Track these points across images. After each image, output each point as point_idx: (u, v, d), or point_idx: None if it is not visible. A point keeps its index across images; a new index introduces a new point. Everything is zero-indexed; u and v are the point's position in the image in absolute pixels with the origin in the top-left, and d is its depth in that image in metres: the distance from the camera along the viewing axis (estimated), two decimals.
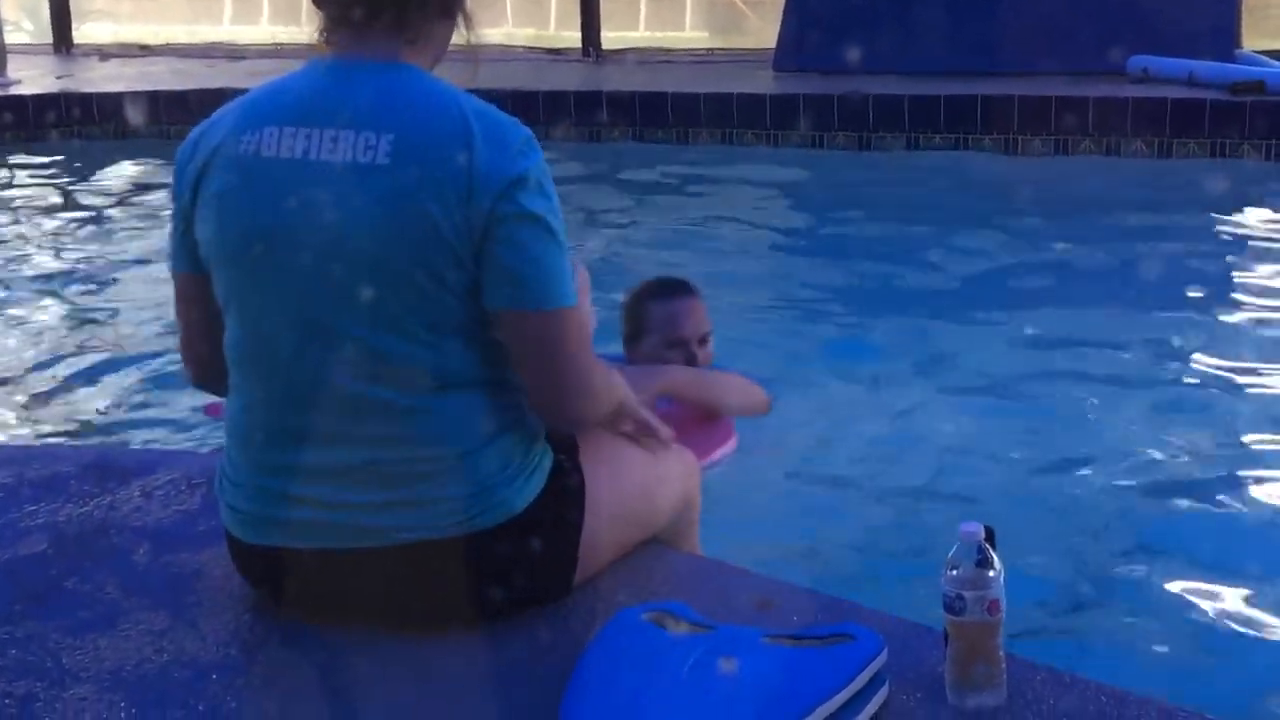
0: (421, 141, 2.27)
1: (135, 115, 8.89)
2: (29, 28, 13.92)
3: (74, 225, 7.42)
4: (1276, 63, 8.69)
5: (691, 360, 3.52)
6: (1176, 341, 4.95)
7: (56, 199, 8.05)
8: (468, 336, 2.34)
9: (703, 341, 3.57)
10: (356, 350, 2.30)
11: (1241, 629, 3.12)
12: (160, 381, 4.70)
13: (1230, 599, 3.22)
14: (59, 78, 10.28)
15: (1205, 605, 3.18)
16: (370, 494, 2.34)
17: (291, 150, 2.31)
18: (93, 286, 6.13)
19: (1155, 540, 3.48)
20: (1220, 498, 3.71)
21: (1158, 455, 3.99)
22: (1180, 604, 3.20)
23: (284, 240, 2.31)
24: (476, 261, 2.28)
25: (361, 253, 2.27)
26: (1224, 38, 8.96)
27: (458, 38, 2.46)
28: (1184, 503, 3.69)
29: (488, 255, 2.27)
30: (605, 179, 7.79)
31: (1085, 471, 3.86)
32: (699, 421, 3.45)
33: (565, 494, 2.46)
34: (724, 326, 4.13)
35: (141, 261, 6.48)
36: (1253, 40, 9.53)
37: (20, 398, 4.64)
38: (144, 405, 4.49)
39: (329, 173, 2.28)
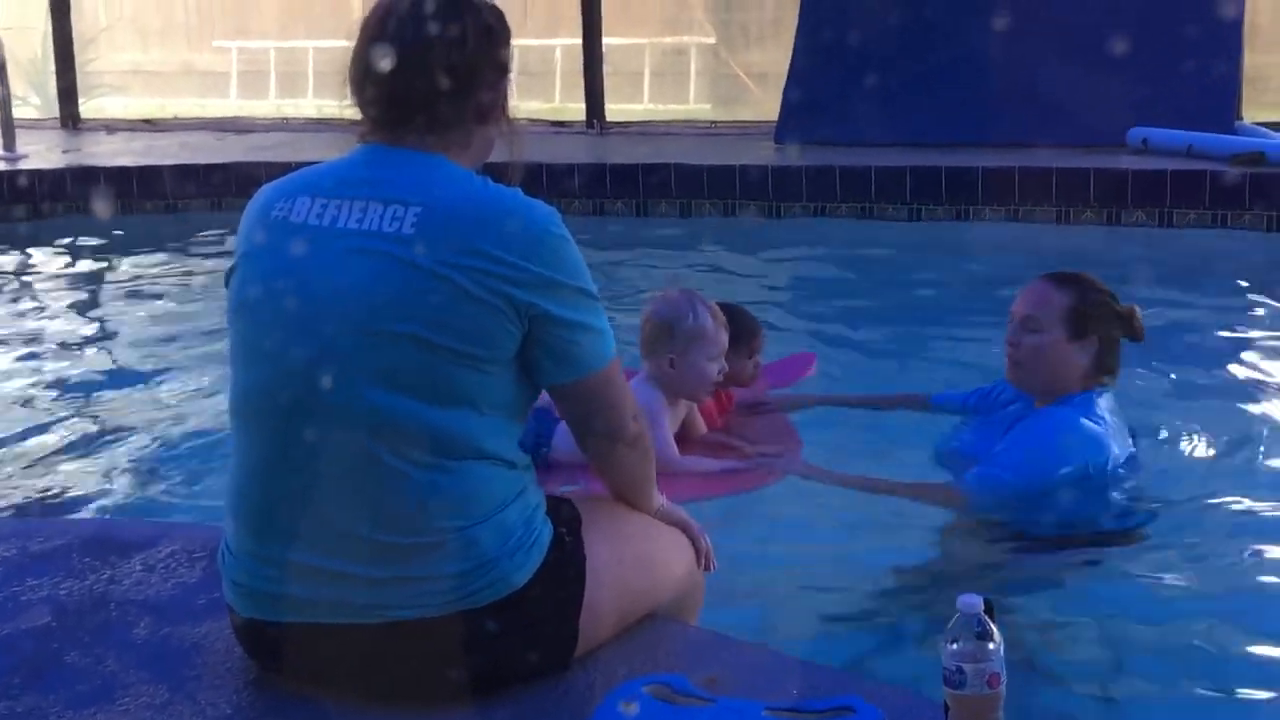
0: (448, 217, 2.33)
1: (142, 189, 8.95)
2: (36, 102, 14.03)
3: (79, 299, 7.44)
4: (1276, 134, 8.72)
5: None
6: (1183, 410, 4.93)
7: (62, 272, 8.08)
8: (473, 409, 2.36)
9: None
10: (359, 412, 2.32)
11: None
12: (162, 454, 4.71)
13: (1261, 688, 3.15)
14: (65, 152, 10.35)
15: (1236, 689, 3.13)
16: (367, 568, 2.34)
17: (320, 218, 2.38)
18: (95, 359, 6.13)
19: (1176, 614, 3.44)
20: (1256, 578, 3.65)
21: (1177, 529, 3.92)
22: (1193, 684, 3.15)
23: (298, 298, 2.35)
24: (503, 341, 2.34)
25: (374, 315, 2.31)
26: (1224, 109, 9.00)
27: (500, 141, 2.55)
28: (1204, 586, 3.62)
29: (538, 341, 2.36)
30: (609, 249, 7.82)
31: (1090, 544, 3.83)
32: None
33: (565, 567, 2.46)
34: None
35: (145, 335, 6.48)
36: (1253, 112, 9.58)
37: (22, 471, 4.64)
38: (145, 478, 4.49)
39: (352, 238, 2.34)
